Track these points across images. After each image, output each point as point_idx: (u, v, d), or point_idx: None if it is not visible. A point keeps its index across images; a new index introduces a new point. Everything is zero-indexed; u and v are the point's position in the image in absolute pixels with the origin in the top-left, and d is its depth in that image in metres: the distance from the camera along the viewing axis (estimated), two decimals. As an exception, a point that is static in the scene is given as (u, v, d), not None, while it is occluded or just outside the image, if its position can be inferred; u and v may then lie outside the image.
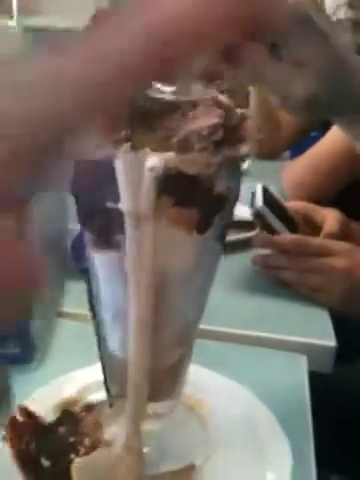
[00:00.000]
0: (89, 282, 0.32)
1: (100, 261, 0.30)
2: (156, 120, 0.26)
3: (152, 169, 0.25)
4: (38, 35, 1.75)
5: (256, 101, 1.15)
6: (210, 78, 0.32)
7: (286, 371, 0.46)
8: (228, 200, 0.29)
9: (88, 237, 0.30)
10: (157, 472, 0.34)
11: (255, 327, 0.52)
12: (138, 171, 0.25)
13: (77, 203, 0.30)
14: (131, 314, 0.29)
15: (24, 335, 0.43)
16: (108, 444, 0.35)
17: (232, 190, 0.29)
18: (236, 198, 0.30)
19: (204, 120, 0.27)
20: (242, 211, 0.83)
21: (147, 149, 0.25)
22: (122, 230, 0.27)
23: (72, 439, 0.36)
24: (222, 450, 0.36)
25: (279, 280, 0.61)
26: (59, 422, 0.37)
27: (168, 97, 0.27)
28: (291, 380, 0.45)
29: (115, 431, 0.35)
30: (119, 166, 0.25)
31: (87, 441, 0.36)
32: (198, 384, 0.39)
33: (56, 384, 0.40)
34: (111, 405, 0.36)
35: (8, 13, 2.94)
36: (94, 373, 0.40)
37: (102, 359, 0.35)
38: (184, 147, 0.26)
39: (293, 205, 0.65)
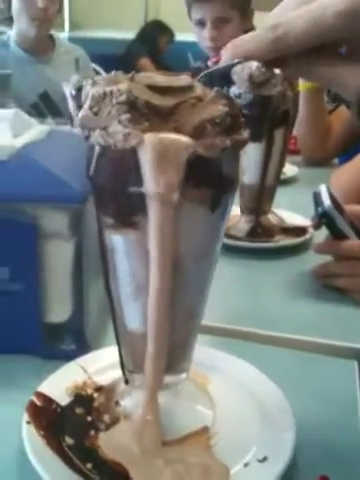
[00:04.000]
0: (104, 261, 0.35)
1: (118, 241, 0.34)
2: (167, 113, 0.31)
3: (187, 148, 0.30)
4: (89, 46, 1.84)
5: (306, 107, 1.15)
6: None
7: (336, 377, 0.47)
8: (234, 181, 0.34)
9: (104, 220, 0.34)
10: (176, 437, 0.37)
11: (305, 332, 0.52)
12: (166, 156, 0.29)
13: (97, 189, 0.33)
14: (151, 289, 0.33)
15: (79, 333, 0.44)
16: (126, 418, 0.38)
17: (236, 173, 0.34)
18: (237, 181, 0.35)
19: (214, 109, 0.31)
20: (292, 217, 0.83)
21: (171, 134, 0.30)
22: (142, 212, 0.31)
23: (89, 418, 0.39)
24: (228, 415, 0.40)
25: (337, 287, 0.60)
26: (74, 404, 0.40)
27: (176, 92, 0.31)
28: (341, 386, 0.46)
29: (131, 405, 0.39)
30: (145, 152, 0.29)
31: (106, 418, 0.39)
32: (205, 363, 0.43)
33: (66, 369, 0.43)
34: (126, 381, 0.39)
35: (61, 27, 3.06)
36: (102, 357, 0.44)
37: (118, 336, 0.38)
38: (199, 133, 0.30)
39: (350, 209, 0.64)
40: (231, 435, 0.38)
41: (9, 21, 1.69)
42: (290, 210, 0.83)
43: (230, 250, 0.70)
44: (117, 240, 0.33)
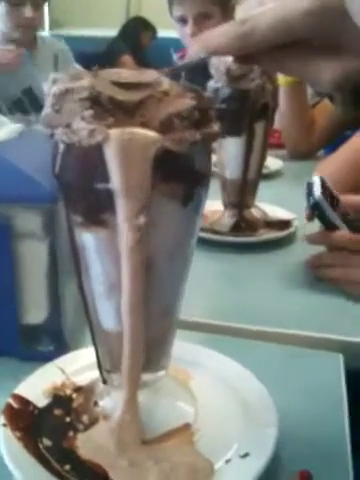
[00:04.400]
0: (76, 260, 0.35)
1: (89, 240, 0.33)
2: (132, 108, 0.30)
3: (154, 143, 0.29)
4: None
5: (288, 101, 1.15)
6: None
7: (322, 371, 0.47)
8: (206, 175, 0.33)
9: (73, 218, 0.33)
10: (157, 435, 0.37)
11: (290, 326, 0.52)
12: (132, 152, 0.29)
13: (63, 187, 0.33)
14: (124, 287, 0.32)
15: (57, 334, 0.44)
16: (105, 418, 0.38)
17: (208, 166, 0.34)
18: (210, 175, 0.34)
19: (181, 103, 0.30)
20: (275, 211, 0.82)
21: (138, 129, 0.29)
22: (110, 209, 0.31)
23: (68, 419, 0.39)
24: (210, 411, 0.40)
25: (329, 278, 0.59)
26: (52, 405, 0.40)
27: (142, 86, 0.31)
28: (327, 379, 0.46)
29: (110, 405, 0.38)
30: (111, 149, 0.29)
31: (85, 418, 0.38)
32: (186, 359, 0.43)
33: (44, 371, 0.42)
34: (104, 381, 0.39)
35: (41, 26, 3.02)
36: (81, 357, 0.44)
37: (93, 336, 0.37)
38: (167, 128, 0.30)
39: (345, 199, 0.64)
40: (213, 432, 0.38)
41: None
42: (275, 204, 0.82)
43: (214, 245, 0.70)
44: (87, 238, 0.33)
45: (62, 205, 0.33)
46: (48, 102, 0.30)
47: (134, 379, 0.36)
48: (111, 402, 0.38)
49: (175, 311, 0.37)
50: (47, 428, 0.37)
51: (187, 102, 0.30)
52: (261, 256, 0.71)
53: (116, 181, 0.29)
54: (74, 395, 0.40)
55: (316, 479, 0.36)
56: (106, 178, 0.30)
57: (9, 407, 0.38)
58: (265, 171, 0.82)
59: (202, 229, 0.73)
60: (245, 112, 0.69)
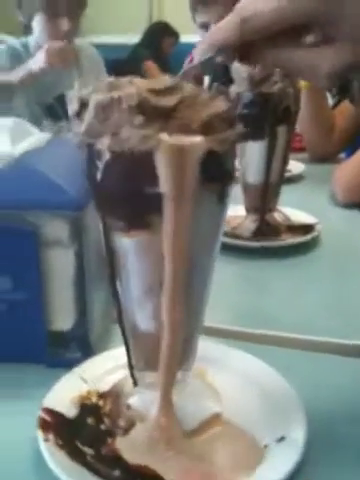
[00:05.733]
0: (111, 266, 0.36)
1: (129, 244, 0.34)
2: (170, 112, 0.31)
3: (202, 146, 0.30)
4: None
5: (308, 105, 1.13)
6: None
7: (345, 376, 0.46)
8: (234, 172, 0.35)
9: (113, 224, 0.34)
10: (193, 427, 0.38)
11: (313, 332, 0.52)
12: (183, 156, 0.30)
13: (105, 195, 0.34)
14: (167, 287, 0.34)
15: (84, 340, 0.44)
16: (142, 419, 0.38)
17: (234, 163, 0.35)
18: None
19: (217, 104, 0.32)
20: (297, 215, 0.82)
21: (179, 137, 0.30)
22: (156, 212, 0.32)
23: (103, 426, 0.39)
24: (235, 403, 0.41)
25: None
26: (83, 415, 0.40)
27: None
28: (350, 385, 0.46)
29: (143, 406, 0.39)
30: (162, 155, 0.30)
31: (121, 423, 0.39)
32: (207, 357, 0.43)
33: (66, 381, 0.42)
34: (135, 383, 0.39)
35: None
36: (97, 364, 0.44)
37: (126, 338, 0.38)
38: (208, 129, 0.31)
39: None
40: (242, 422, 0.39)
41: (28, 29, 1.67)
42: (297, 208, 0.82)
43: (236, 250, 0.69)
44: (127, 243, 0.34)
45: (99, 212, 0.34)
46: (90, 113, 0.31)
47: (171, 376, 0.37)
48: (144, 403, 0.39)
49: (204, 311, 0.38)
50: (85, 438, 0.38)
51: (224, 103, 0.32)
52: (284, 261, 0.70)
53: (166, 185, 0.31)
54: (100, 402, 0.41)
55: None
56: (156, 183, 0.31)
57: (43, 421, 0.38)
58: (287, 175, 0.82)
59: (224, 234, 0.73)
60: (267, 116, 0.69)
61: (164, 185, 0.31)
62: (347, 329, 0.54)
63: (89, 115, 0.31)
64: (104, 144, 0.31)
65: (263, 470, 0.35)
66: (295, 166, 1.06)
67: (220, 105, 0.32)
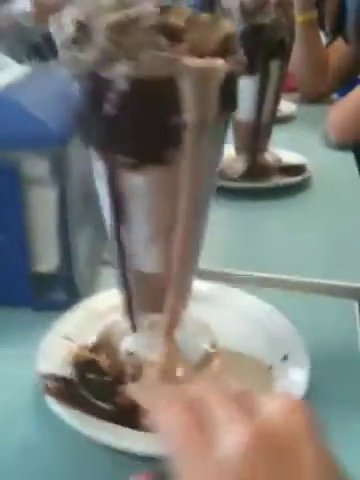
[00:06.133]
0: (116, 208, 0.33)
1: (141, 183, 0.31)
2: (181, 33, 0.28)
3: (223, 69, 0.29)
4: None
5: (301, 41, 1.08)
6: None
7: (337, 317, 0.46)
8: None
9: (122, 161, 0.31)
10: (196, 362, 0.38)
11: (305, 273, 0.51)
12: (207, 81, 0.28)
13: (114, 128, 0.30)
14: (181, 226, 0.32)
15: (70, 282, 0.42)
16: (148, 363, 0.37)
17: None
18: None
19: (225, 26, 0.29)
20: (289, 156, 0.79)
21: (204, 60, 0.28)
22: (174, 145, 0.29)
23: (107, 378, 0.37)
24: (232, 334, 0.41)
25: None
26: (81, 372, 0.38)
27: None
28: (342, 327, 0.45)
29: (147, 349, 0.38)
30: (188, 80, 0.27)
31: (129, 370, 0.37)
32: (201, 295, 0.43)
33: (50, 342, 0.39)
34: (134, 328, 0.38)
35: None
36: (71, 317, 0.42)
37: (126, 282, 0.36)
38: (222, 52, 0.29)
39: None
40: (242, 348, 0.39)
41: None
42: (288, 149, 0.79)
43: (226, 192, 0.67)
44: (139, 182, 0.31)
45: (103, 151, 0.31)
46: (102, 35, 0.27)
47: (176, 315, 0.36)
48: (144, 346, 0.38)
49: (200, 251, 0.37)
50: (97, 394, 0.36)
51: (231, 24, 0.30)
52: (275, 202, 0.68)
53: (191, 114, 0.28)
54: (93, 355, 0.39)
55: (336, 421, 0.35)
56: (178, 111, 0.28)
57: (48, 388, 0.35)
58: (278, 115, 0.78)
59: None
60: (260, 49, 0.65)
61: (188, 113, 0.28)
62: (339, 270, 0.53)
63: (100, 38, 0.27)
64: (120, 71, 0.27)
65: (280, 388, 0.35)
66: (286, 106, 1.02)
67: (228, 26, 0.29)
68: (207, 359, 0.38)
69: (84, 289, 0.45)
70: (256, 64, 0.66)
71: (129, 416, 0.33)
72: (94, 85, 0.29)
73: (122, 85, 0.28)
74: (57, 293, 0.44)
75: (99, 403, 0.35)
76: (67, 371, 0.38)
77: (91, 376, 0.37)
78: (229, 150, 0.74)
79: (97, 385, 0.37)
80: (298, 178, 0.72)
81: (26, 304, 0.44)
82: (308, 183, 0.73)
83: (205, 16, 0.29)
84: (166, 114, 0.28)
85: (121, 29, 0.27)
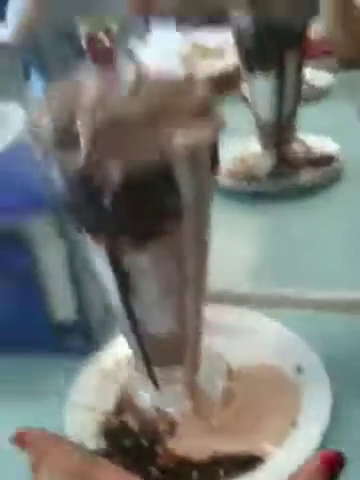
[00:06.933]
0: (122, 284, 0.33)
1: (145, 258, 0.32)
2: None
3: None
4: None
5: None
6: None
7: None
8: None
9: (122, 245, 0.31)
10: (220, 396, 0.38)
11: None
12: (196, 158, 0.29)
13: (114, 216, 0.30)
14: (192, 282, 0.33)
15: (86, 329, 0.45)
16: (178, 415, 0.37)
17: None
18: None
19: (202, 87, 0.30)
20: (320, 142, 0.74)
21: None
22: (173, 220, 0.30)
23: (143, 441, 0.36)
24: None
25: None
26: (115, 441, 0.37)
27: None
28: None
29: (174, 403, 0.37)
30: (178, 162, 0.28)
31: (162, 427, 0.37)
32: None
33: (70, 414, 0.39)
34: (156, 385, 0.37)
35: None
36: (86, 381, 0.41)
37: (140, 344, 0.36)
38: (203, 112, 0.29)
39: None
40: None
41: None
42: (320, 131, 0.73)
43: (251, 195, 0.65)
44: (141, 257, 0.32)
45: (104, 241, 0.31)
46: (87, 140, 0.27)
47: (196, 365, 0.37)
48: (166, 399, 0.37)
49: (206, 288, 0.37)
50: (138, 460, 0.35)
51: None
52: (301, 203, 0.64)
53: (188, 189, 0.29)
54: (119, 419, 0.38)
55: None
56: (176, 192, 0.29)
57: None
58: (308, 92, 0.73)
59: (239, 175, 0.68)
60: (271, 41, 0.60)
61: (185, 189, 0.29)
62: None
63: (85, 142, 0.27)
64: (111, 170, 0.27)
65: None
66: (320, 77, 0.94)
67: (201, 87, 0.30)
68: (229, 394, 0.38)
69: (101, 336, 0.46)
70: (268, 58, 0.62)
71: (175, 474, 0.34)
72: (86, 183, 0.29)
73: (115, 181, 0.28)
74: (74, 340, 0.45)
75: (142, 468, 0.34)
76: (98, 442, 0.37)
77: (127, 442, 0.36)
78: (255, 146, 0.71)
79: (135, 451, 0.36)
80: (326, 172, 0.66)
81: (46, 351, 0.45)
82: (340, 174, 0.67)
83: (178, 83, 0.30)
84: (164, 197, 0.29)
85: (106, 131, 0.27)
